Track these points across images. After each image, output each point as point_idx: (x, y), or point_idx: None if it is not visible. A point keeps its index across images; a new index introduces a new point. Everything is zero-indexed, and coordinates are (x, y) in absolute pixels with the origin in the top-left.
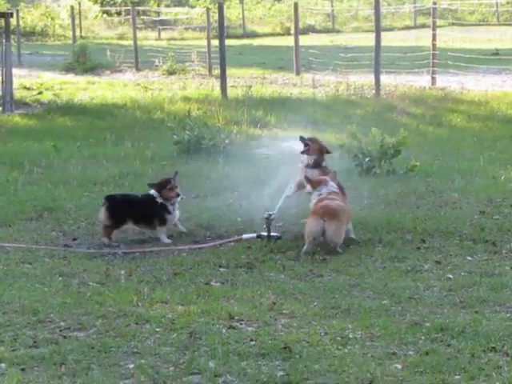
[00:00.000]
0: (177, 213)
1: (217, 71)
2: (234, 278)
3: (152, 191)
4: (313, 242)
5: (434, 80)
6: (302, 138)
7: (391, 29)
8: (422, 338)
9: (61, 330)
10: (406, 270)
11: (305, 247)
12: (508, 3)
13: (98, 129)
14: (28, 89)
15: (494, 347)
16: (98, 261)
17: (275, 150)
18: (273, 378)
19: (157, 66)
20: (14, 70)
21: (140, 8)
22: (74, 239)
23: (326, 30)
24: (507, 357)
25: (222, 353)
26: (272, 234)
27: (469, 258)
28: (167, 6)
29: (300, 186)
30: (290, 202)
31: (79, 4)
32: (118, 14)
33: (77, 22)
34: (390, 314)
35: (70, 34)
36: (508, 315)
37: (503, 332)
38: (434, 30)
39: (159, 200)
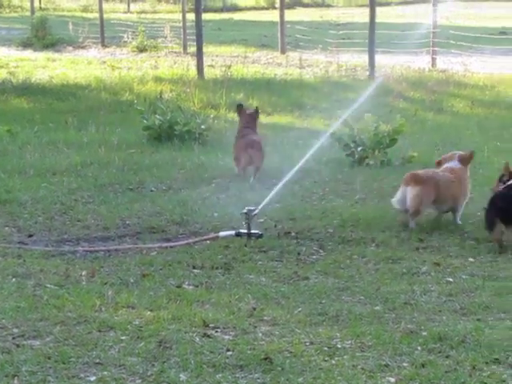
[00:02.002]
0: None
1: (192, 49)
2: (210, 280)
3: None
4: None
5: (434, 61)
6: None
7: (388, 3)
8: (418, 348)
9: (14, 338)
10: (402, 273)
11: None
12: None
13: (58, 112)
14: None
15: (497, 359)
16: (57, 260)
17: None
18: None
19: (125, 42)
20: None
21: None
22: (30, 236)
23: (315, 4)
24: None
25: (195, 364)
26: (252, 231)
27: (471, 260)
28: None
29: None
30: (274, 197)
31: None
32: None
33: None
34: (382, 321)
35: (27, 4)
36: None
37: (508, 342)
38: (434, 5)
39: None
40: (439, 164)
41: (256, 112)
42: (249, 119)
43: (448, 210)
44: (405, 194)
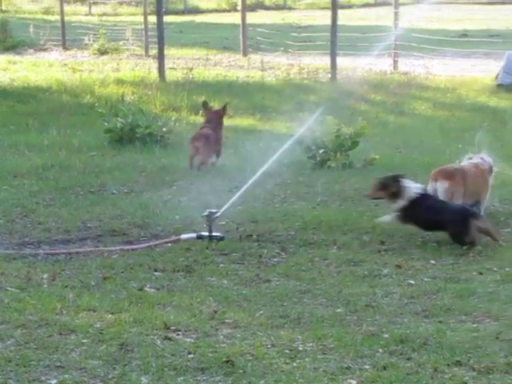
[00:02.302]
0: None
1: (154, 51)
2: (171, 283)
3: None
4: None
5: (396, 64)
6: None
7: (350, 6)
8: (380, 350)
9: None
10: (363, 275)
11: None
12: None
13: (19, 114)
14: None
15: (459, 361)
16: (18, 263)
17: None
18: None
19: (87, 44)
20: None
21: None
22: None
23: (277, 7)
24: (473, 371)
25: (157, 367)
26: (214, 233)
27: (432, 262)
28: None
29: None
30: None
31: None
32: None
33: None
34: (344, 323)
35: None
36: (475, 325)
37: (469, 344)
38: (396, 8)
39: None
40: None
41: (222, 110)
42: (211, 117)
43: (473, 203)
44: (435, 189)
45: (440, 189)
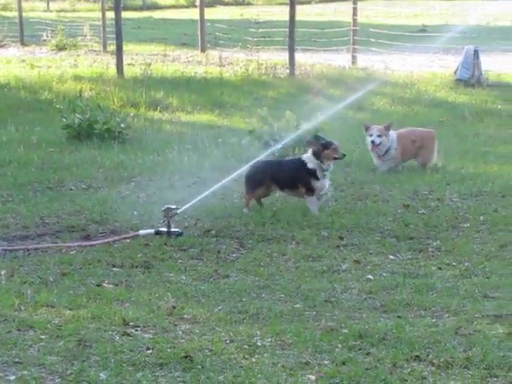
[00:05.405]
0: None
1: (112, 47)
2: (130, 278)
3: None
4: None
5: (354, 59)
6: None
7: (308, 2)
8: (339, 345)
9: None
10: (322, 270)
11: None
12: None
13: None
14: None
15: (417, 356)
16: None
17: None
18: None
19: (45, 40)
20: None
21: None
22: None
23: (236, 3)
24: (432, 366)
25: (115, 363)
26: (172, 229)
27: (391, 257)
28: None
29: None
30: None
31: None
32: None
33: None
34: (303, 319)
35: None
36: (434, 320)
37: (428, 339)
38: (354, 3)
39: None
40: None
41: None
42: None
43: None
44: None
45: None
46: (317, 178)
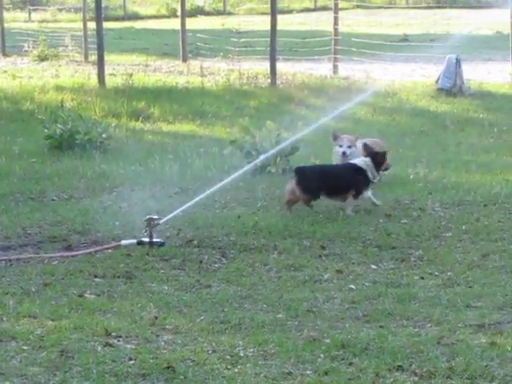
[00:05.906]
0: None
1: (94, 57)
2: (112, 289)
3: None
4: None
5: (336, 68)
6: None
7: (289, 11)
8: (321, 355)
9: None
10: (304, 280)
11: None
12: None
13: None
14: None
15: (400, 366)
16: None
17: None
18: None
19: (26, 51)
20: None
21: None
22: None
23: (217, 12)
24: (415, 376)
25: (97, 373)
26: (154, 239)
27: (373, 267)
28: None
29: None
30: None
31: None
32: None
33: None
34: (285, 329)
35: None
36: (416, 330)
37: (410, 349)
38: (336, 12)
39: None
40: None
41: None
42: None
43: None
44: None
45: None
46: (369, 185)
